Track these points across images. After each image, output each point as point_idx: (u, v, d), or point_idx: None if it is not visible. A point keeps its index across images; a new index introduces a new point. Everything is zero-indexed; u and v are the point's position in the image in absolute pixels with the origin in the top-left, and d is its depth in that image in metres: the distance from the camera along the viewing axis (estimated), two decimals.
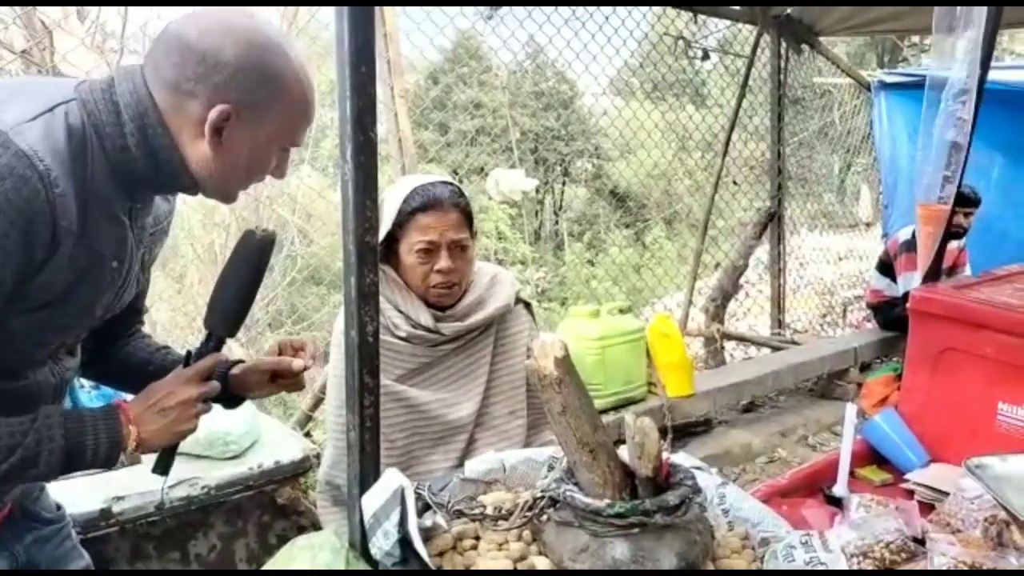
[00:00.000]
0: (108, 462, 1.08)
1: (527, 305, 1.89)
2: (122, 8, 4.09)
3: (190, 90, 1.02)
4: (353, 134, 1.06)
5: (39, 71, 3.66)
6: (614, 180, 11.41)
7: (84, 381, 2.12)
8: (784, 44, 4.81)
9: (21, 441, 0.99)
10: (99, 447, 1.05)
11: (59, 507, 1.34)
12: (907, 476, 1.63)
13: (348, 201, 1.09)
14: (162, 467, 1.18)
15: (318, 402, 3.61)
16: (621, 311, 3.41)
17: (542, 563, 1.04)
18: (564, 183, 13.03)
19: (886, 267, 4.42)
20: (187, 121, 1.04)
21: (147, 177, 1.06)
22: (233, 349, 2.93)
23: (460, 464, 1.73)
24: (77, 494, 1.85)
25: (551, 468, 1.27)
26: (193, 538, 2.05)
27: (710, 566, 1.04)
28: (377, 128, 1.08)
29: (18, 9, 4.01)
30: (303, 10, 4.39)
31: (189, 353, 1.18)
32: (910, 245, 4.04)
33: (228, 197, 1.14)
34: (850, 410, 1.59)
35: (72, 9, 4.22)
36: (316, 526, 2.04)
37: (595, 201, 12.28)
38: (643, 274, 6.12)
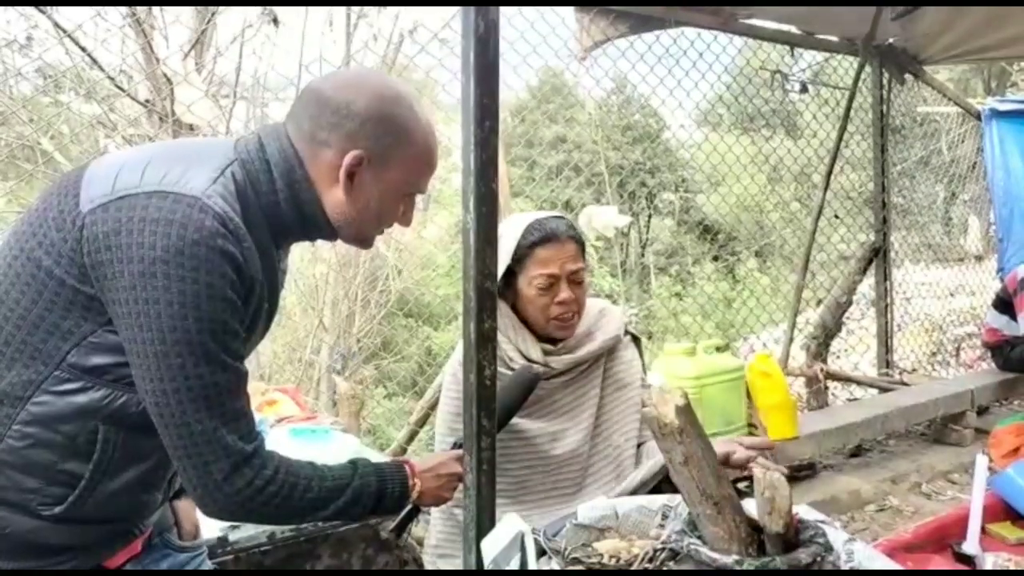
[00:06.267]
0: (398, 507, 1.28)
1: (635, 339, 1.88)
2: (235, 59, 4.37)
3: (324, 139, 1.11)
4: (476, 186, 1.10)
5: (160, 119, 3.96)
6: (703, 212, 11.23)
7: (270, 421, 2.27)
8: (886, 74, 4.66)
9: (349, 483, 1.17)
10: (394, 493, 1.23)
11: (195, 536, 1.42)
12: None
13: (469, 249, 1.13)
14: (399, 529, 1.40)
15: (413, 434, 3.66)
16: (718, 349, 3.32)
17: None
18: (650, 216, 12.92)
19: (1005, 304, 4.15)
20: (323, 169, 1.12)
21: (294, 227, 1.15)
22: (338, 382, 3.03)
23: (575, 494, 1.73)
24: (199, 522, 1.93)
25: (665, 516, 1.25)
26: (302, 569, 2.10)
27: None
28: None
29: (144, 63, 4.33)
30: (401, 55, 4.59)
31: (457, 442, 1.38)
32: None
33: (364, 242, 1.23)
34: (980, 461, 1.50)
35: (191, 62, 4.53)
36: (418, 561, 2.06)
37: (683, 234, 12.12)
38: (735, 308, 5.96)
